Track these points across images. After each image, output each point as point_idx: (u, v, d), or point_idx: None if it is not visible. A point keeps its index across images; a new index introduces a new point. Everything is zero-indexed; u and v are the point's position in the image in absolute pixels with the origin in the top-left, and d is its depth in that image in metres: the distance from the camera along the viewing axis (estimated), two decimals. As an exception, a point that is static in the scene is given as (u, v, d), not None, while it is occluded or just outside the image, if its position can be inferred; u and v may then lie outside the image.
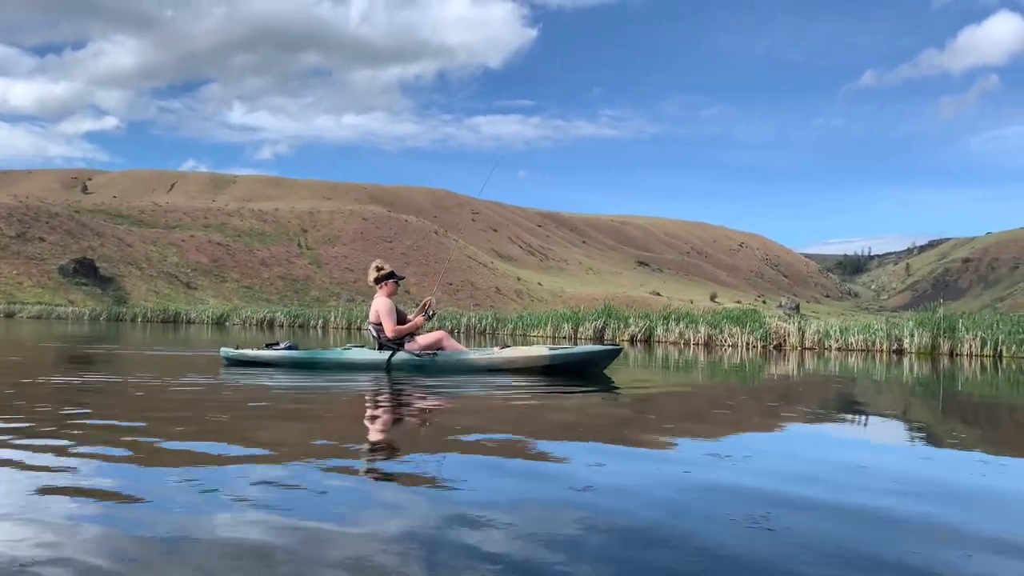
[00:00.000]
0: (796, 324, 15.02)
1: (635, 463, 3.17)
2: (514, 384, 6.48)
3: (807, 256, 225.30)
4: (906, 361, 12.92)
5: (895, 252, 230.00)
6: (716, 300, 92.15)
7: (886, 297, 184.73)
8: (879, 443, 4.15)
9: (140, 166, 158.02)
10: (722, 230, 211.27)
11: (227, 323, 33.43)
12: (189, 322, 34.80)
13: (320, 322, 28.90)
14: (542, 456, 3.27)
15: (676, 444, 3.67)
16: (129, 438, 3.39)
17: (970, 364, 12.19)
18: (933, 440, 4.29)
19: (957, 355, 13.82)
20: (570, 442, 3.71)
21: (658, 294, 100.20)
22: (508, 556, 1.92)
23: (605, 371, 7.95)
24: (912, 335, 14.16)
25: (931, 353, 13.98)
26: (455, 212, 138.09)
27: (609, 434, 4.02)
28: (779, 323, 15.04)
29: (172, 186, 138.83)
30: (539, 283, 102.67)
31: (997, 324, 13.97)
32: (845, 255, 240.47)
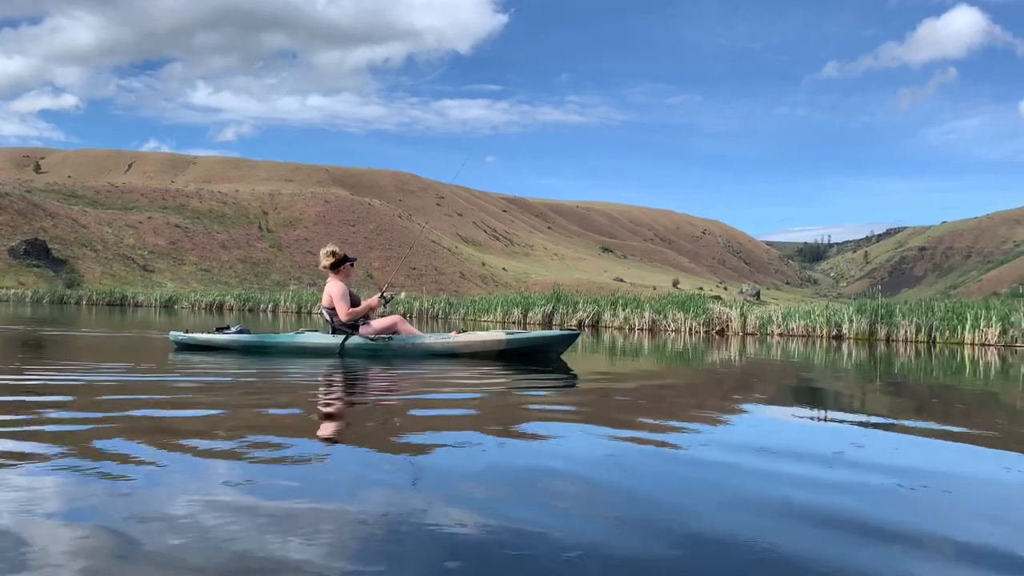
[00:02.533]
0: (738, 310, 15.23)
1: (597, 447, 3.18)
2: (470, 369, 6.43)
3: (768, 243, 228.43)
4: (845, 346, 13.20)
5: (854, 240, 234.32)
6: (678, 287, 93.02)
7: (845, 284, 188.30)
8: (830, 427, 4.21)
9: (98, 146, 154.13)
10: (685, 217, 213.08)
11: (176, 306, 32.84)
12: (137, 305, 34.06)
13: (270, 306, 28.55)
14: (505, 441, 3.25)
15: (635, 427, 3.71)
16: (65, 429, 3.25)
17: (905, 349, 12.49)
18: (880, 424, 4.39)
19: (893, 341, 14.15)
20: (533, 426, 3.71)
21: (621, 280, 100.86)
22: (469, 542, 1.91)
23: (561, 356, 7.91)
24: (851, 321, 14.45)
25: (868, 339, 14.29)
26: (420, 196, 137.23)
27: (572, 417, 4.02)
28: (722, 308, 15.23)
29: (130, 166, 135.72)
30: (504, 268, 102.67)
31: (932, 311, 14.32)
32: (805, 243, 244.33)
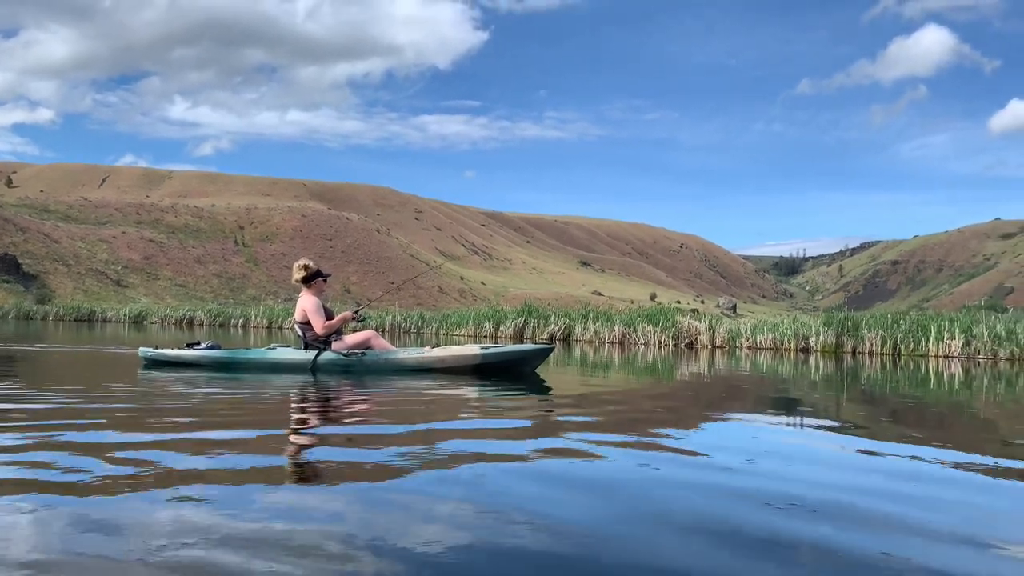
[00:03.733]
0: (707, 323, 15.31)
1: (573, 464, 3.17)
2: (444, 384, 6.36)
3: (744, 257, 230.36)
4: (812, 359, 13.31)
5: (828, 254, 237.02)
6: (656, 300, 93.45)
7: (820, 297, 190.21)
8: (809, 439, 4.28)
9: (74, 161, 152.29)
10: (662, 231, 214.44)
11: (145, 322, 32.42)
12: (105, 321, 33.58)
13: (241, 321, 28.30)
14: (481, 458, 3.23)
15: (614, 442, 3.71)
16: (36, 442, 3.20)
17: (871, 362, 12.63)
18: (857, 435, 4.44)
19: (859, 353, 14.30)
20: (509, 443, 3.68)
21: (600, 294, 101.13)
22: (441, 565, 1.89)
23: (537, 370, 7.87)
24: (818, 334, 14.58)
25: (835, 351, 14.43)
26: (398, 210, 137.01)
27: (550, 434, 3.99)
28: (690, 322, 15.31)
29: (104, 181, 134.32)
30: (482, 282, 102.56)
31: (897, 324, 14.49)
32: (781, 256, 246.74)
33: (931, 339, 13.87)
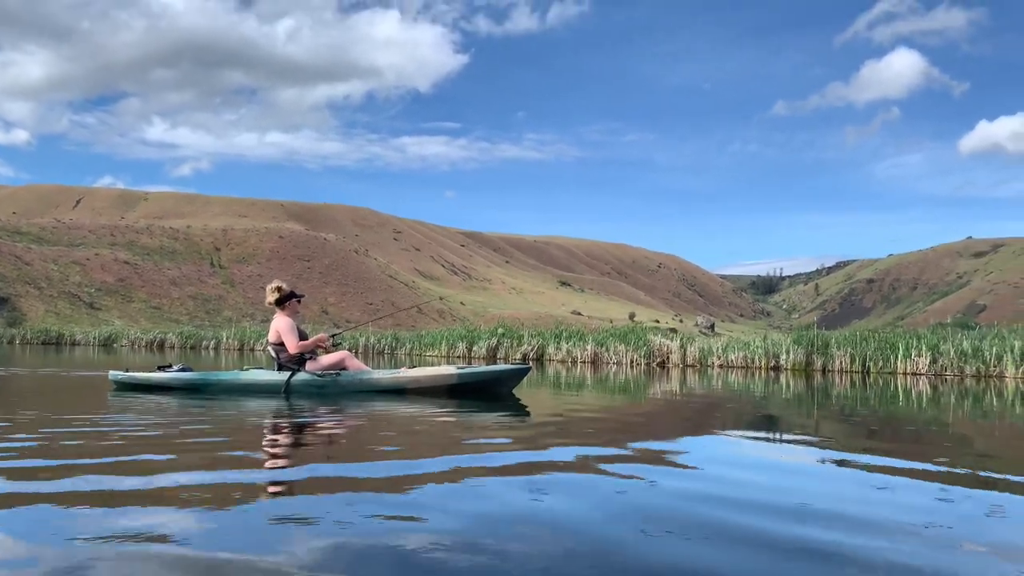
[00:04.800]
0: (679, 341, 15.34)
1: (559, 484, 3.15)
2: (420, 405, 6.30)
3: (722, 276, 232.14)
4: (783, 377, 13.36)
5: (805, 273, 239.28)
6: (635, 319, 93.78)
7: (797, 316, 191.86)
8: (791, 461, 4.26)
9: (51, 182, 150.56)
10: (641, 251, 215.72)
11: (116, 344, 31.93)
12: (74, 344, 33.07)
13: (213, 343, 28.01)
14: (463, 479, 3.20)
15: (598, 463, 3.68)
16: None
17: (841, 380, 12.71)
18: (837, 455, 4.44)
19: (829, 371, 14.39)
20: (490, 465, 3.63)
21: (579, 313, 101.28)
22: None
23: (514, 391, 7.81)
24: (788, 352, 14.67)
25: (805, 369, 14.51)
26: (377, 231, 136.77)
27: (530, 451, 3.97)
28: (662, 340, 15.34)
29: (78, 202, 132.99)
30: (462, 302, 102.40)
31: (866, 341, 14.61)
32: (758, 276, 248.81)
33: (899, 356, 13.99)
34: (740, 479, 3.32)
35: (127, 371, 7.90)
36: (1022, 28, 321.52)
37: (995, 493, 3.19)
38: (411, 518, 2.44)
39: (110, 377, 7.86)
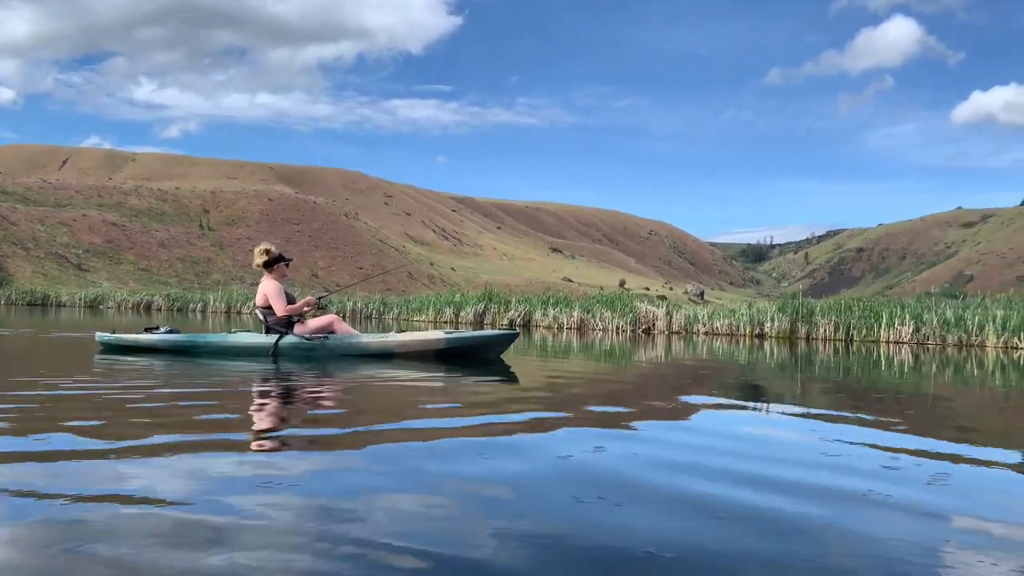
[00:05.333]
0: (664, 309, 15.41)
1: (541, 448, 3.17)
2: (408, 369, 6.32)
3: (712, 244, 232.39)
4: (767, 345, 13.45)
5: (795, 241, 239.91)
6: (625, 286, 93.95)
7: (786, 284, 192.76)
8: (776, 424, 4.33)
9: (36, 142, 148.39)
10: (632, 218, 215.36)
11: (102, 306, 31.79)
12: (60, 305, 32.87)
13: (200, 305, 27.95)
14: (452, 442, 3.21)
15: (582, 424, 3.77)
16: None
17: (824, 348, 12.81)
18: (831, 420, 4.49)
19: (813, 339, 14.50)
20: (476, 428, 3.66)
21: (570, 280, 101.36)
22: (422, 549, 1.87)
23: (502, 356, 7.87)
24: (773, 320, 14.75)
25: (789, 337, 14.61)
26: (367, 195, 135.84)
27: (515, 416, 3.99)
28: (648, 307, 15.40)
29: (64, 162, 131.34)
30: (452, 268, 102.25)
31: (850, 310, 14.70)
32: (748, 244, 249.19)
33: (882, 325, 14.10)
34: (706, 445, 3.35)
35: (114, 332, 7.89)
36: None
37: (964, 466, 3.24)
38: (386, 484, 2.47)
39: (97, 338, 7.86)
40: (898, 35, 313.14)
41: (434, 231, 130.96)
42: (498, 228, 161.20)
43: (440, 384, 5.63)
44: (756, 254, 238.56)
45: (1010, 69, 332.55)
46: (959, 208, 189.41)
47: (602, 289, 66.21)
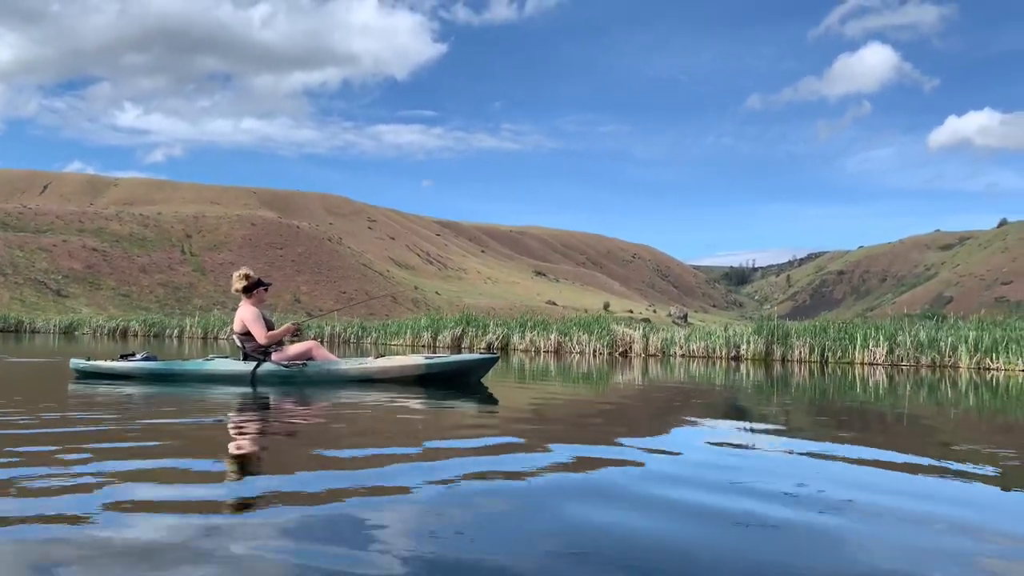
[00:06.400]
0: (641, 331, 15.44)
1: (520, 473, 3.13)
2: (388, 395, 6.24)
3: (695, 267, 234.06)
4: (743, 367, 13.48)
5: (777, 264, 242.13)
6: (609, 309, 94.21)
7: (769, 307, 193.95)
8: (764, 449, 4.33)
9: (17, 167, 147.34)
10: (616, 242, 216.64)
11: (77, 332, 31.39)
12: (34, 331, 32.46)
13: (176, 331, 27.70)
14: (434, 468, 3.17)
15: (563, 450, 3.69)
16: None
17: (799, 369, 12.85)
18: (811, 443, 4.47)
19: (788, 361, 14.55)
20: (460, 457, 3.59)
21: (554, 303, 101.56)
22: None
23: (482, 380, 7.75)
24: (749, 343, 14.80)
25: (765, 359, 14.66)
26: (351, 219, 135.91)
27: (497, 443, 3.95)
28: (625, 330, 15.43)
29: (45, 188, 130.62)
30: (437, 292, 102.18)
31: (825, 331, 14.79)
32: (731, 267, 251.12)
33: (857, 347, 14.18)
34: (687, 466, 3.37)
35: (89, 359, 7.77)
36: (991, 23, 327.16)
37: (953, 481, 3.26)
38: (371, 514, 2.40)
39: (72, 365, 7.71)
40: (875, 61, 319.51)
41: (418, 255, 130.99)
42: (482, 252, 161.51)
43: (420, 408, 5.59)
44: (739, 277, 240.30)
45: (984, 94, 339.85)
46: (937, 231, 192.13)
47: (586, 312, 66.38)
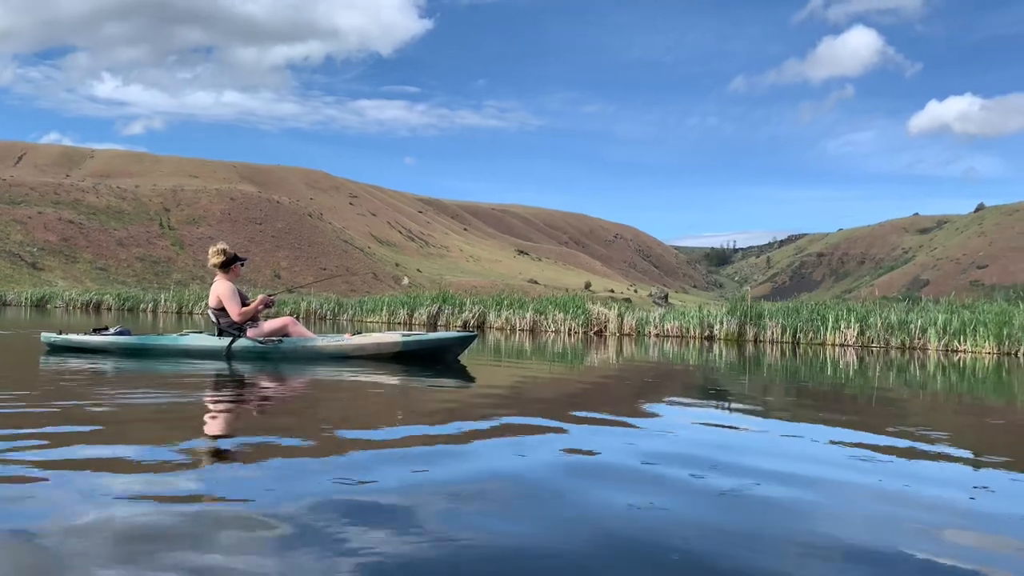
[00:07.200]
0: (616, 311, 15.48)
1: (505, 454, 3.14)
2: (364, 372, 6.22)
3: (677, 248, 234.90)
4: (716, 347, 13.57)
5: (757, 246, 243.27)
6: (590, 289, 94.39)
7: (749, 288, 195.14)
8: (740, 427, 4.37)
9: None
10: (598, 221, 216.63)
11: (49, 306, 30.96)
12: (5, 304, 31.96)
13: (151, 305, 27.41)
14: (412, 445, 3.18)
15: (543, 430, 3.72)
16: None
17: (772, 350, 12.95)
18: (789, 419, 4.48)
19: (760, 341, 14.66)
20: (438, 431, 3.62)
21: (536, 282, 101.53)
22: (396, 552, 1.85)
23: (459, 358, 7.79)
24: (722, 323, 14.88)
25: (738, 339, 14.76)
26: (332, 195, 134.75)
27: (479, 419, 3.96)
28: (600, 309, 15.46)
29: (20, 159, 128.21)
30: (418, 269, 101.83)
31: (797, 312, 14.90)
32: (712, 248, 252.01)
33: (828, 328, 14.30)
34: (666, 443, 3.46)
35: (61, 333, 7.65)
36: (974, 9, 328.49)
37: (922, 462, 3.32)
38: (344, 490, 2.40)
39: (43, 339, 7.63)
40: (858, 45, 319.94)
41: (400, 232, 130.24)
42: (464, 230, 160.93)
43: (397, 386, 5.56)
44: (719, 258, 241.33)
45: (965, 80, 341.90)
46: (915, 214, 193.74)
47: (567, 291, 66.46)
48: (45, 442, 2.97)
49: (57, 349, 7.38)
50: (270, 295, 7.77)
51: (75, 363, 6.34)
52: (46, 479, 2.43)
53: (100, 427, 3.44)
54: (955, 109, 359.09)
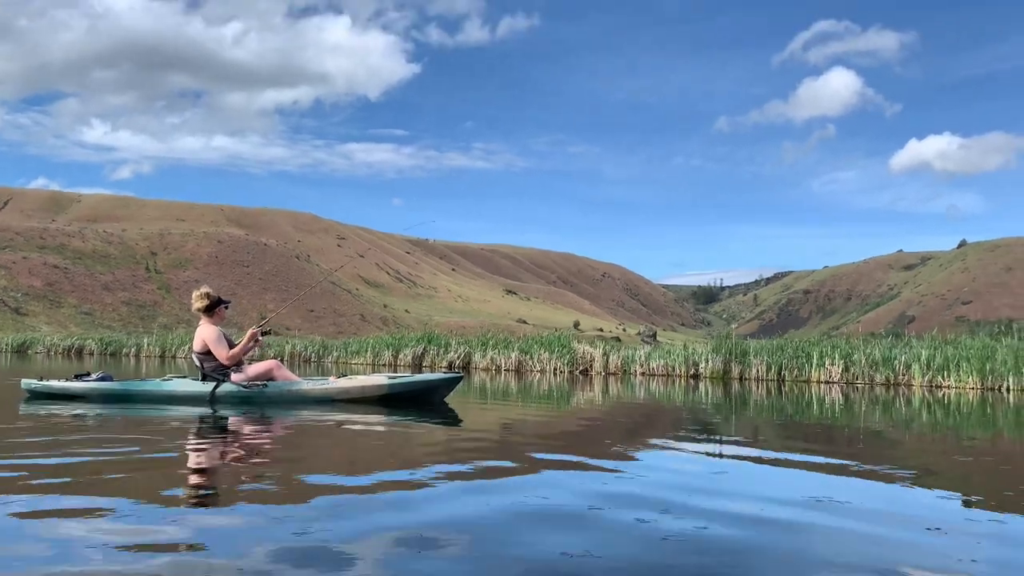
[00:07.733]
0: (601, 350, 15.51)
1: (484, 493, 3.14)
2: (350, 415, 6.16)
3: (664, 286, 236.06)
4: (702, 385, 13.58)
5: (744, 283, 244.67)
6: (579, 328, 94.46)
7: (736, 326, 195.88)
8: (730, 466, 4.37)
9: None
10: (586, 260, 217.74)
11: (30, 351, 30.59)
12: (-18, 351, 31.60)
13: (133, 350, 27.20)
14: (399, 491, 3.15)
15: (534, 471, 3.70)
16: None
17: (757, 388, 12.97)
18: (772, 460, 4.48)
19: (745, 379, 14.69)
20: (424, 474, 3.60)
21: (524, 322, 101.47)
22: None
23: (445, 400, 7.70)
24: (707, 361, 14.93)
25: (723, 377, 14.80)
26: (320, 237, 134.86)
27: (464, 463, 3.93)
28: (586, 348, 15.48)
29: (6, 203, 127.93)
30: (406, 310, 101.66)
31: (782, 350, 14.97)
32: (699, 286, 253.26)
33: (813, 365, 14.37)
34: (656, 484, 3.44)
35: (41, 379, 7.56)
36: (949, 51, 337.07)
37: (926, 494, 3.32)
38: (329, 537, 2.38)
39: (23, 385, 7.51)
40: (838, 86, 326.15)
41: (388, 273, 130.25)
42: (453, 270, 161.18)
43: (383, 430, 5.51)
44: (707, 296, 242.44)
45: (943, 119, 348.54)
46: (899, 251, 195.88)
47: (556, 331, 66.43)
48: (22, 492, 2.94)
49: (38, 395, 7.27)
50: (261, 326, 7.72)
51: (56, 409, 6.26)
52: (20, 529, 2.42)
53: (77, 477, 3.38)
54: (934, 148, 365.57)
